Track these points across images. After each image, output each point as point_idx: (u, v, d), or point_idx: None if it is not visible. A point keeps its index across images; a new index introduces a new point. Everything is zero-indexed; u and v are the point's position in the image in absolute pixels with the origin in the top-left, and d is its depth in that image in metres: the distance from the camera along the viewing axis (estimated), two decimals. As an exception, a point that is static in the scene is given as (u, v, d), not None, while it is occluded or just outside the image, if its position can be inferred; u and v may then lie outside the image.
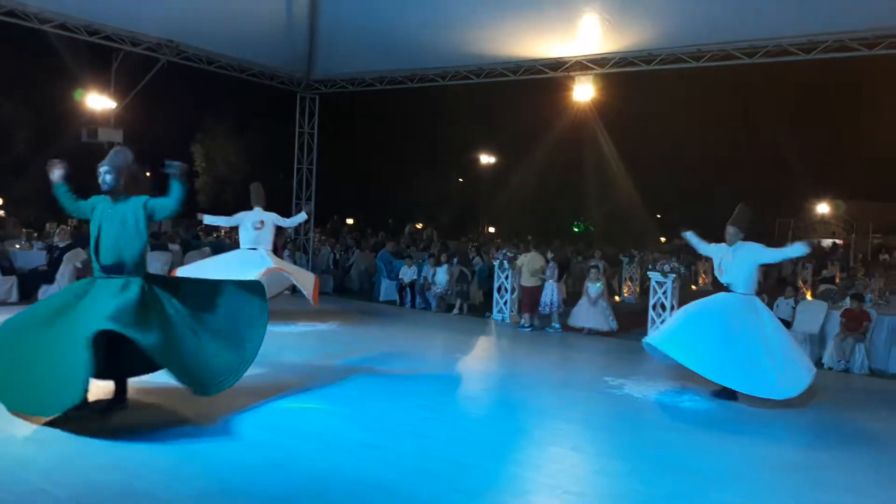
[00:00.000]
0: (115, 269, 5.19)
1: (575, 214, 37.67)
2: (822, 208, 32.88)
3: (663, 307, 10.16)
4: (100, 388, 5.33)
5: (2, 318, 5.28)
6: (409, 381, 7.02)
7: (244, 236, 9.86)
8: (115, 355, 5.05)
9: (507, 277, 11.68)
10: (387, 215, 28.61)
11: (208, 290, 5.61)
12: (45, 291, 10.71)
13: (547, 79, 12.30)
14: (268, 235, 9.84)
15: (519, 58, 11.97)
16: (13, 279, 10.46)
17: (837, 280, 15.63)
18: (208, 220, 10.22)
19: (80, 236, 12.47)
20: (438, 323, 11.46)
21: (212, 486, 4.04)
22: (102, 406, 5.25)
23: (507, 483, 4.42)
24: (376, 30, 12.10)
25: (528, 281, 11.12)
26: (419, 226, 28.99)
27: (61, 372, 4.70)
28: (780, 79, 24.26)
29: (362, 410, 5.79)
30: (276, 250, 10.47)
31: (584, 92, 12.24)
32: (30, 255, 11.36)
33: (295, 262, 12.82)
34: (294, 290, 10.24)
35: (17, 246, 11.77)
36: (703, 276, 18.22)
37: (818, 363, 9.32)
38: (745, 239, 7.15)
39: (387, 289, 13.71)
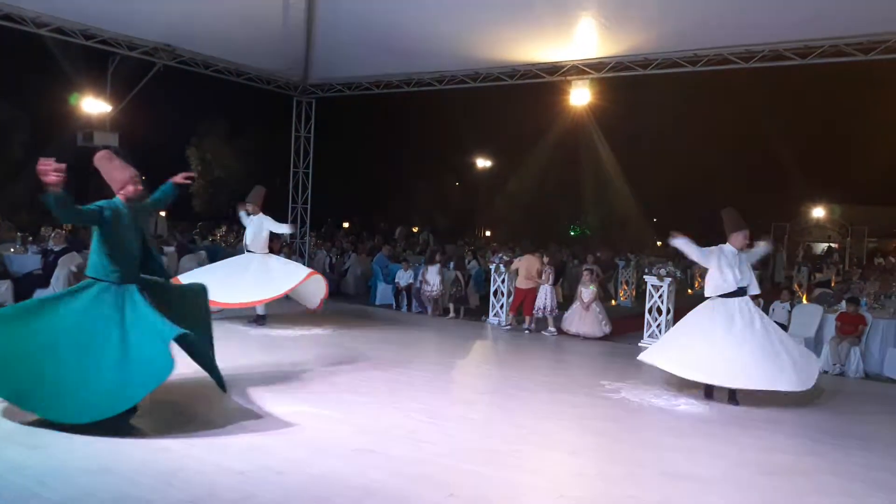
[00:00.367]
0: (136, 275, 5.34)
1: (571, 218, 37.71)
2: (818, 212, 32.95)
3: (659, 311, 10.16)
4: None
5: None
6: (405, 384, 7.00)
7: (248, 240, 10.03)
8: None
9: (503, 281, 11.68)
10: (384, 219, 28.57)
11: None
12: (39, 296, 10.66)
13: (544, 83, 12.32)
14: (264, 239, 9.88)
15: (515, 62, 12.00)
16: (8, 283, 10.41)
17: (833, 284, 15.67)
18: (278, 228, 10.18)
19: (75, 240, 12.43)
20: (434, 327, 11.45)
21: (207, 492, 4.02)
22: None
23: (504, 487, 4.41)
24: (373, 34, 12.11)
25: (522, 283, 11.16)
26: (415, 229, 28.99)
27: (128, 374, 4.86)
28: (775, 83, 24.33)
29: (358, 415, 5.77)
30: (274, 254, 10.46)
31: (580, 96, 12.27)
32: (24, 259, 11.31)
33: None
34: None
35: (12, 250, 11.72)
36: (700, 279, 18.23)
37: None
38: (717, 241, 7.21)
39: (383, 293, 13.69)
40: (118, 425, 4.96)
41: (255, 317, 9.88)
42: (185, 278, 9.27)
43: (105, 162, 5.39)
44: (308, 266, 13.29)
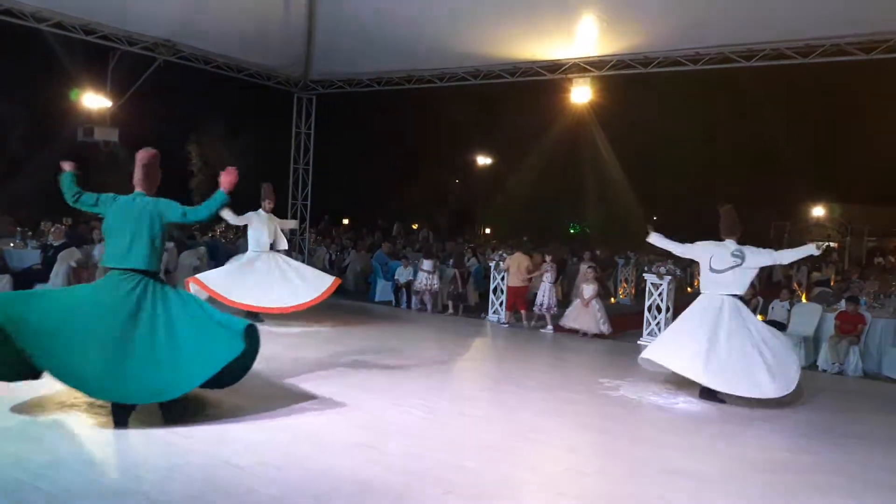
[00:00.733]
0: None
1: (571, 216, 37.69)
2: (818, 211, 32.96)
3: (659, 309, 10.17)
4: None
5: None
6: (404, 381, 7.01)
7: (251, 236, 9.98)
8: None
9: (502, 278, 11.69)
10: (383, 216, 28.55)
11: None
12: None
13: (544, 81, 12.31)
14: (269, 237, 9.90)
15: (516, 60, 11.98)
16: (7, 278, 10.41)
17: (833, 283, 15.68)
18: (225, 214, 10.19)
19: (75, 235, 12.43)
20: (434, 324, 11.46)
21: (205, 486, 4.03)
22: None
23: (502, 484, 4.42)
24: (374, 30, 12.10)
25: (513, 281, 11.24)
26: (415, 226, 28.96)
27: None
28: (776, 82, 24.31)
29: (357, 411, 5.78)
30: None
31: (581, 94, 12.26)
32: (24, 254, 11.31)
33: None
34: None
35: (12, 245, 11.73)
36: (699, 277, 18.19)
37: (812, 365, 9.38)
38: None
39: (382, 289, 13.70)
40: (118, 419, 4.97)
41: (252, 315, 9.80)
42: (209, 279, 9.31)
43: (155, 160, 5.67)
44: (308, 263, 13.31)
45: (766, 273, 17.75)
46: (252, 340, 5.42)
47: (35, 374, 5.02)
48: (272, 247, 10.03)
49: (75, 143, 15.22)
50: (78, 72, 16.07)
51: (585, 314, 10.74)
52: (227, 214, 10.02)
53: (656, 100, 24.37)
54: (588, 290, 10.86)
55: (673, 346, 7.05)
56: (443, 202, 35.92)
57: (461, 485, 4.32)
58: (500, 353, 9.81)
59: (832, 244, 29.07)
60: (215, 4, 11.31)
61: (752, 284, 11.64)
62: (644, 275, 10.91)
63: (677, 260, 12.33)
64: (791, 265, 19.28)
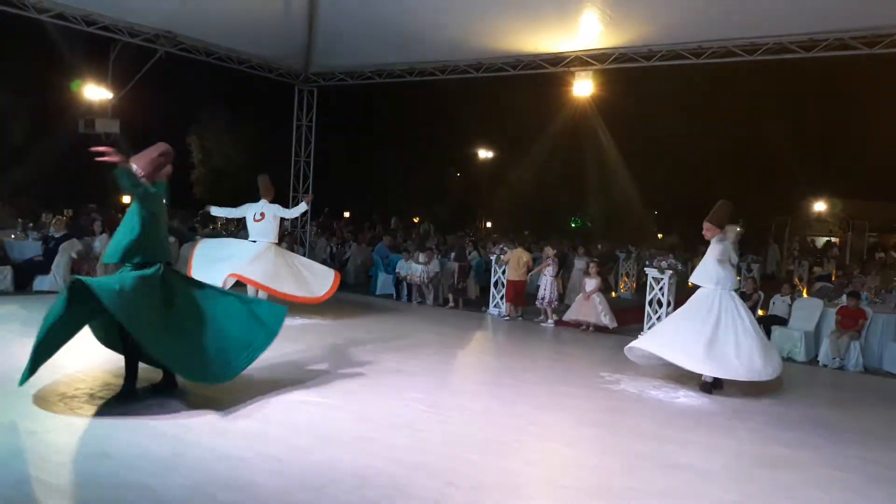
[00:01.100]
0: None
1: (573, 210, 37.64)
2: (819, 206, 32.90)
3: (660, 303, 10.16)
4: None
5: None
6: (405, 374, 7.01)
7: (249, 228, 9.91)
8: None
9: (503, 272, 11.69)
10: (384, 209, 28.51)
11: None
12: (40, 282, 10.67)
13: (546, 74, 12.27)
14: (269, 227, 9.80)
15: (518, 52, 11.95)
16: (8, 269, 10.43)
17: (833, 278, 15.65)
18: (215, 211, 10.17)
19: (76, 227, 12.43)
20: (434, 317, 11.46)
21: (206, 478, 4.03)
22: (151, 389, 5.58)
23: (502, 477, 4.42)
24: (375, 23, 12.05)
25: (512, 275, 11.38)
26: (416, 219, 28.93)
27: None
28: (778, 76, 24.24)
29: (357, 404, 5.79)
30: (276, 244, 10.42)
31: (583, 87, 12.22)
32: (25, 246, 11.31)
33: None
34: None
35: (13, 236, 11.72)
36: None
37: (813, 360, 9.38)
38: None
39: (383, 283, 13.70)
40: (116, 413, 4.98)
41: None
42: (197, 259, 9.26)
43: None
44: (308, 256, 13.30)
45: (759, 268, 17.71)
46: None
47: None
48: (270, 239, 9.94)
49: (76, 134, 15.20)
50: (79, 63, 16.04)
51: (587, 307, 10.74)
52: (220, 211, 10.03)
53: (658, 94, 24.30)
54: (590, 283, 10.86)
55: (665, 336, 7.12)
56: (444, 195, 35.87)
57: (461, 477, 4.32)
58: (500, 346, 9.81)
59: (833, 239, 29.04)
60: (216, -4, 11.28)
61: (753, 279, 11.70)
62: (645, 269, 10.90)
63: (678, 254, 12.36)
64: (785, 259, 19.30)
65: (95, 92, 15.68)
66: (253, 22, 12.05)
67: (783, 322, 9.96)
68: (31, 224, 13.10)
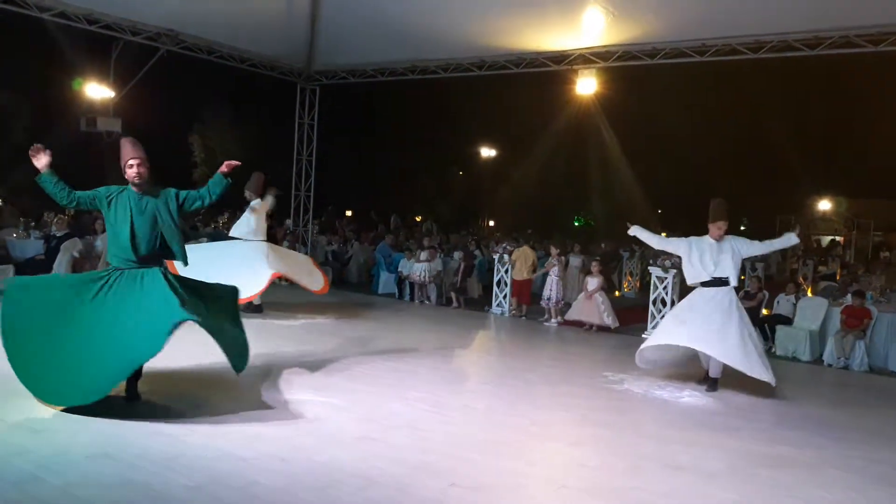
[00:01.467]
0: (150, 261, 5.23)
1: (576, 208, 37.62)
2: (824, 205, 32.84)
3: (664, 302, 10.13)
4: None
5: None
6: (407, 374, 6.99)
7: (248, 224, 9.88)
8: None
9: (506, 271, 11.67)
10: (388, 208, 28.49)
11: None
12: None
13: (550, 72, 12.23)
14: (252, 224, 9.76)
15: (521, 50, 11.91)
16: (10, 268, 10.41)
17: (838, 277, 15.59)
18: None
19: (78, 226, 12.42)
20: (437, 316, 11.43)
21: (208, 478, 4.01)
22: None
23: (505, 477, 4.39)
24: (378, 21, 12.01)
25: (518, 274, 11.34)
26: (419, 218, 28.91)
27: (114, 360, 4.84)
28: (783, 74, 24.18)
29: (359, 403, 5.76)
30: (276, 242, 10.40)
31: (587, 85, 12.17)
32: (27, 245, 11.32)
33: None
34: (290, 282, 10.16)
35: (14, 235, 11.73)
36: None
37: (818, 360, 9.34)
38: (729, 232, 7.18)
39: (385, 282, 13.67)
40: (117, 413, 4.95)
41: (252, 306, 9.70)
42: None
43: (119, 148, 5.43)
44: (311, 254, 13.26)
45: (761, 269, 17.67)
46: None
47: None
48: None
49: (78, 133, 15.19)
50: (80, 61, 16.03)
51: (589, 307, 10.70)
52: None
53: (662, 92, 24.26)
54: (592, 282, 10.82)
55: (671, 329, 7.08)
56: (447, 194, 35.86)
57: (465, 477, 4.30)
58: (503, 346, 9.79)
59: (838, 238, 28.97)
60: (219, -6, 11.25)
61: (758, 278, 11.66)
62: (649, 268, 10.87)
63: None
64: (786, 258, 19.24)
65: (97, 90, 15.66)
66: (255, 20, 12.03)
67: (788, 321, 9.92)
68: (32, 223, 13.11)
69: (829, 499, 4.44)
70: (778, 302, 10.42)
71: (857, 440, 5.76)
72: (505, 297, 11.69)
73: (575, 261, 13.73)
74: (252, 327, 8.88)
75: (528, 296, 11.64)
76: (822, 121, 30.85)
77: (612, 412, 6.18)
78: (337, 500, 3.85)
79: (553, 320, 11.04)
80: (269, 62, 13.76)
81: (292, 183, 15.01)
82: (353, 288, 14.08)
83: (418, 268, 12.43)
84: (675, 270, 10.13)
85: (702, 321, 6.82)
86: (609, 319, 10.61)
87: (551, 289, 11.11)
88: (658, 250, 8.47)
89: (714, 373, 7.04)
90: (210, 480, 3.98)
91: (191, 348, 5.79)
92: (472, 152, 35.66)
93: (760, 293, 10.36)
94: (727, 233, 7.09)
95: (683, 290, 10.51)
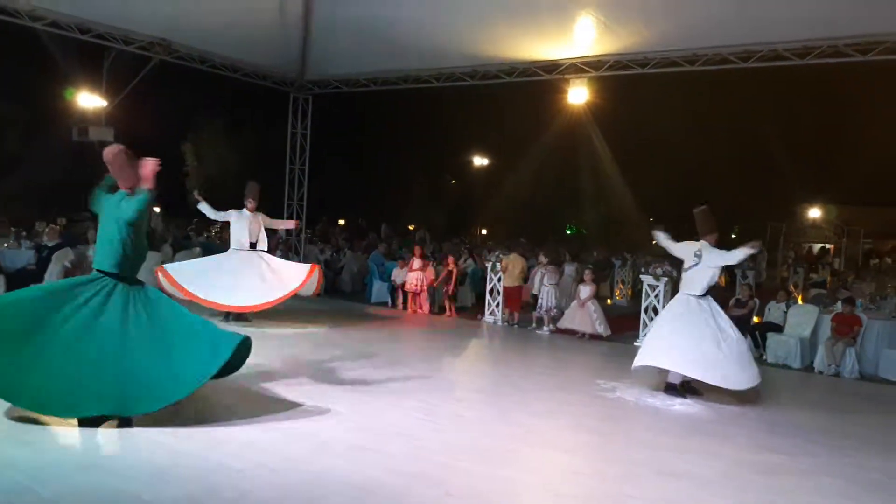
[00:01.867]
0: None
1: (568, 217, 37.71)
2: (814, 213, 33.03)
3: (655, 310, 10.14)
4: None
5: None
6: (401, 382, 6.98)
7: (232, 234, 9.90)
8: None
9: (499, 280, 11.68)
10: (380, 217, 28.52)
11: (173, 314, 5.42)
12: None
13: (542, 81, 12.30)
14: (248, 234, 9.78)
15: (513, 59, 11.97)
16: (1, 278, 10.36)
17: (829, 284, 15.69)
18: (202, 206, 10.07)
19: (70, 236, 12.37)
20: (430, 325, 11.43)
21: (200, 489, 3.99)
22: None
23: (500, 485, 4.39)
24: (370, 30, 12.06)
25: (508, 281, 11.47)
26: (411, 227, 28.91)
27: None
28: (773, 83, 24.37)
29: (353, 413, 5.75)
30: (270, 251, 10.37)
31: (578, 95, 12.24)
32: (18, 255, 11.26)
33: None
34: None
35: (6, 245, 11.67)
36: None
37: (809, 367, 9.38)
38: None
39: (378, 290, 13.65)
40: (111, 420, 4.92)
41: (236, 314, 9.65)
42: (178, 275, 9.16)
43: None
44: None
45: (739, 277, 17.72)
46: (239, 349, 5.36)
47: None
48: (253, 246, 9.90)
49: (70, 143, 15.16)
50: (73, 71, 16.01)
51: (582, 315, 10.71)
52: (206, 208, 9.96)
53: (653, 100, 24.39)
54: (584, 290, 10.84)
55: (663, 346, 7.08)
56: (439, 203, 35.90)
57: (459, 486, 4.30)
58: (496, 354, 9.79)
59: (828, 246, 29.12)
60: (211, 4, 11.25)
61: (749, 286, 11.72)
62: (641, 276, 10.89)
63: (674, 261, 12.36)
64: (789, 268, 19.34)
65: (89, 100, 15.66)
66: (247, 30, 12.05)
67: (779, 329, 9.96)
68: (24, 233, 13.06)
69: (821, 506, 4.46)
70: (769, 309, 10.47)
71: (849, 447, 5.78)
72: (498, 305, 11.70)
73: (568, 269, 13.77)
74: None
75: (518, 303, 11.65)
76: (813, 128, 31.07)
77: (606, 420, 6.20)
78: (330, 510, 3.84)
79: (545, 328, 11.05)
80: (262, 72, 13.77)
81: (285, 192, 15.00)
82: (346, 297, 14.06)
83: (412, 277, 12.42)
84: (666, 279, 10.17)
85: (684, 339, 6.86)
86: (601, 328, 10.62)
87: (544, 298, 11.13)
88: (650, 259, 8.53)
89: (674, 378, 7.09)
90: (201, 491, 3.96)
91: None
92: (464, 161, 35.75)
93: (752, 301, 10.40)
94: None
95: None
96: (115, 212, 5.17)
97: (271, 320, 9.87)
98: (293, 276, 9.70)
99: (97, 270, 5.21)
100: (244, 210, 9.93)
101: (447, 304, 12.46)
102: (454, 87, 13.20)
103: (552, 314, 11.14)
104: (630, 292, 15.78)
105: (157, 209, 17.19)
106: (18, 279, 10.59)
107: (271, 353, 7.71)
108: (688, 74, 11.11)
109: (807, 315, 9.96)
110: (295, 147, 14.98)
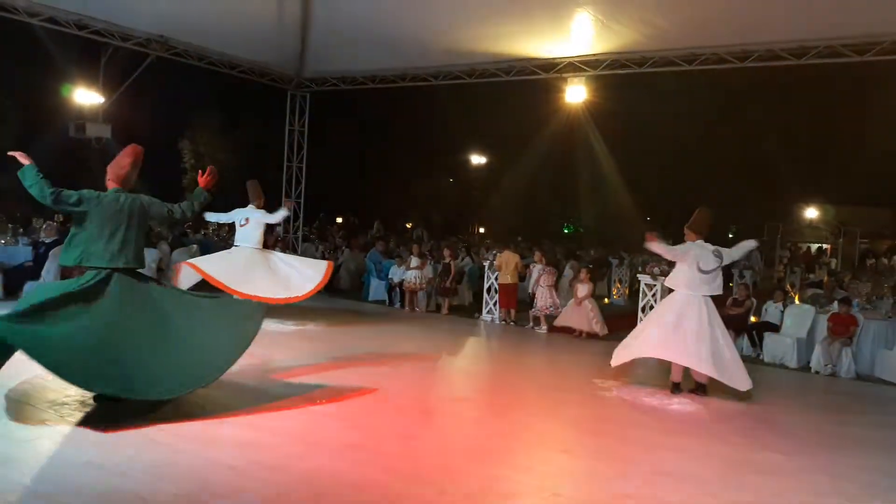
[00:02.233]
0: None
1: (565, 216, 37.74)
2: (811, 213, 33.09)
3: (652, 309, 10.15)
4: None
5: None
6: (397, 381, 6.97)
7: (237, 233, 9.85)
8: None
9: (496, 278, 11.68)
10: (376, 215, 28.54)
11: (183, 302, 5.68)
12: (30, 288, 10.57)
13: (539, 80, 12.30)
14: (253, 233, 9.72)
15: (511, 58, 11.98)
16: (-2, 275, 10.34)
17: (825, 285, 15.71)
18: (209, 216, 10.05)
19: (67, 232, 12.33)
20: (427, 323, 11.42)
21: (197, 487, 3.99)
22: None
23: (496, 485, 4.39)
24: (368, 28, 12.05)
25: (503, 278, 11.45)
26: (409, 225, 28.92)
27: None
28: (770, 83, 24.40)
29: (350, 411, 5.75)
30: (267, 248, 10.34)
31: (576, 93, 12.25)
32: (15, 251, 11.22)
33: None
34: None
35: (3, 241, 11.64)
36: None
37: (805, 367, 9.40)
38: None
39: (376, 289, 13.65)
40: (106, 421, 4.92)
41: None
42: (201, 263, 9.11)
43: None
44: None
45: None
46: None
47: None
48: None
49: (67, 139, 15.12)
50: (70, 67, 15.96)
51: (579, 313, 10.72)
52: (215, 216, 9.93)
53: (650, 100, 24.42)
54: (581, 289, 10.85)
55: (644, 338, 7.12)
56: (437, 201, 35.89)
57: (455, 485, 4.29)
58: (493, 353, 9.79)
59: (825, 246, 29.17)
60: (209, 1, 11.24)
61: (746, 286, 11.74)
62: (638, 275, 10.90)
63: (670, 261, 12.36)
64: (786, 268, 19.37)
65: (86, 96, 15.60)
66: (246, 26, 12.03)
67: (775, 328, 9.98)
68: (21, 229, 13.01)
69: (817, 505, 4.47)
70: (766, 309, 10.48)
71: (845, 447, 5.79)
72: (495, 303, 11.70)
73: (567, 268, 13.78)
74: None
75: (514, 300, 11.60)
76: (810, 128, 31.14)
77: (603, 419, 6.20)
78: (327, 509, 3.84)
79: (542, 327, 11.05)
80: (260, 69, 13.75)
81: (282, 189, 14.98)
82: (343, 295, 14.05)
83: (410, 275, 12.42)
84: (663, 278, 10.16)
85: (671, 330, 6.91)
86: (598, 326, 10.63)
87: (541, 297, 11.13)
88: (647, 258, 8.53)
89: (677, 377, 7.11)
90: (198, 489, 3.95)
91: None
92: (462, 159, 35.74)
93: (749, 300, 10.42)
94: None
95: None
96: (136, 207, 5.38)
97: (267, 317, 9.76)
98: (313, 272, 9.68)
99: (108, 268, 5.27)
100: (248, 207, 9.82)
101: (443, 302, 12.45)
102: (452, 85, 13.20)
103: (548, 312, 11.14)
104: (627, 291, 15.79)
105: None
106: (16, 276, 10.58)
107: (267, 350, 7.70)
108: (685, 73, 11.13)
109: (803, 315, 9.98)
110: (293, 144, 14.96)
